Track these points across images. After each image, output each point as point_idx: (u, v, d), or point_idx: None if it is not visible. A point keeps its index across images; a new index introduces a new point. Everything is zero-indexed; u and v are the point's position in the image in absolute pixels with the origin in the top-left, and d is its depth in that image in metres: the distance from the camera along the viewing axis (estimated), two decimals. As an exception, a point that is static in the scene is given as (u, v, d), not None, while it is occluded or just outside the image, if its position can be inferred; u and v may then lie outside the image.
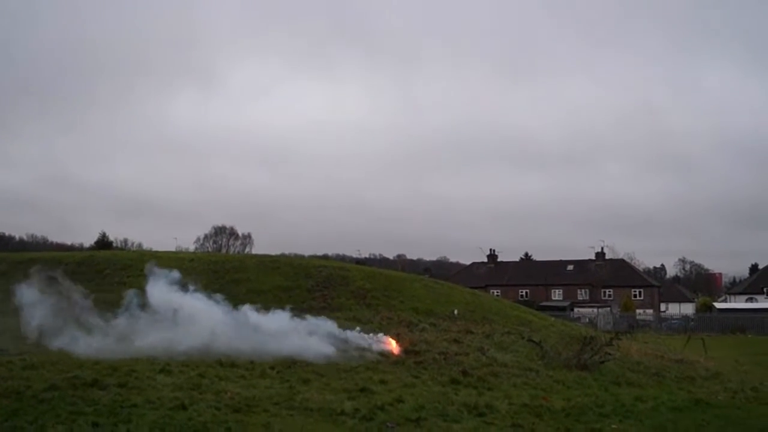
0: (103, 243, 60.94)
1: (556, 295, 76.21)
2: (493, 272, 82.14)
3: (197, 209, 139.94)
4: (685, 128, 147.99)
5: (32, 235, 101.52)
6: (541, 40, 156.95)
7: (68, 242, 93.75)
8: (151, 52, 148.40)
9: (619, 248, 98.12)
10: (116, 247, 66.33)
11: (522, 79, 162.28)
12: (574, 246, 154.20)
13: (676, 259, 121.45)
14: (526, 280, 78.96)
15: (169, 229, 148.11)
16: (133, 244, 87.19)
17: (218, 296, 17.37)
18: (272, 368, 13.75)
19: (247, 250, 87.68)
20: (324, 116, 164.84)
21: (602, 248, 79.27)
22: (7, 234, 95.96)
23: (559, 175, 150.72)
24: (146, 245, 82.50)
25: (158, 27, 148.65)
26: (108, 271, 23.72)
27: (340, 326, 17.34)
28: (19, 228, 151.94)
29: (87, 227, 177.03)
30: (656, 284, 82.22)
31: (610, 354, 17.04)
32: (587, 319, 51.67)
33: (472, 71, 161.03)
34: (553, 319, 28.60)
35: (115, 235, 78.15)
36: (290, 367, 14.00)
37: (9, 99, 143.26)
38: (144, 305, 16.66)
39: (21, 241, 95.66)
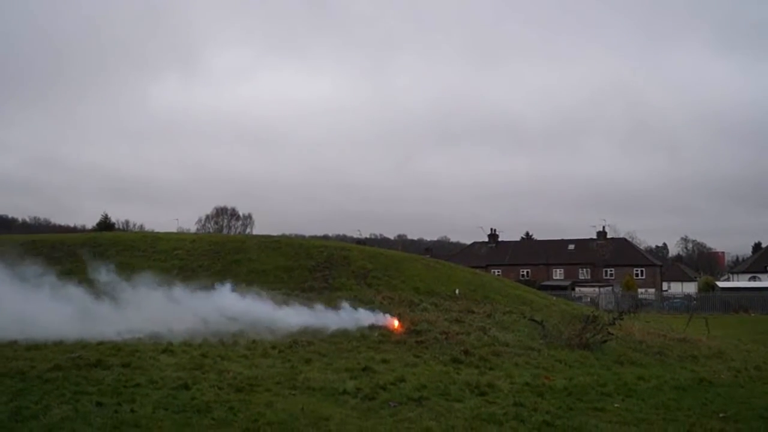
0: (105, 225, 61.01)
1: (558, 274, 76.42)
2: (493, 252, 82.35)
3: (196, 191, 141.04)
4: (673, 111, 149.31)
5: (35, 218, 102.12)
6: (515, 25, 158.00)
7: (71, 224, 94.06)
8: (139, 39, 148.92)
9: (620, 227, 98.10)
10: (118, 229, 66.42)
11: (499, 63, 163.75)
12: (576, 225, 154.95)
13: (678, 238, 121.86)
14: (527, 259, 79.15)
15: (169, 211, 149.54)
16: (134, 225, 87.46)
17: None
18: (274, 348, 13.80)
19: (248, 230, 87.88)
20: (305, 99, 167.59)
21: (604, 227, 79.48)
22: (10, 216, 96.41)
23: (553, 155, 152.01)
24: (148, 227, 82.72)
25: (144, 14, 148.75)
26: (110, 252, 23.72)
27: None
28: (22, 211, 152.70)
29: (88, 210, 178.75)
30: (658, 263, 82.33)
31: (611, 333, 17.06)
32: (589, 299, 51.80)
33: (447, 55, 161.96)
34: (554, 298, 28.60)
35: (116, 217, 78.30)
36: (292, 346, 14.05)
37: (3, 87, 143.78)
38: None
39: (24, 223, 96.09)
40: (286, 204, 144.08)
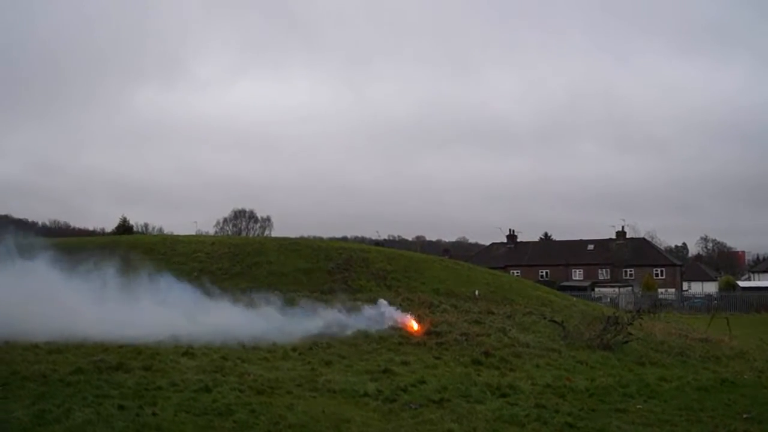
0: (124, 228, 61.33)
1: (577, 275, 75.79)
2: (512, 253, 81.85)
3: (211, 196, 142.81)
4: (687, 114, 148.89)
5: (55, 221, 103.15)
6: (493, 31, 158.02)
7: (90, 227, 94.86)
8: (132, 48, 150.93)
9: (640, 227, 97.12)
10: (137, 232, 66.81)
11: (486, 66, 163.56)
12: (595, 225, 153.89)
13: (698, 238, 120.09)
14: (546, 260, 78.57)
15: (187, 214, 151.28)
16: (153, 228, 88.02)
17: None
18: (294, 350, 13.82)
19: (266, 233, 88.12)
20: (305, 102, 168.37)
21: (623, 227, 78.64)
22: (30, 220, 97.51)
23: (565, 156, 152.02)
24: (167, 230, 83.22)
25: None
26: (130, 255, 23.87)
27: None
28: (40, 215, 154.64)
29: (107, 214, 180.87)
30: (678, 263, 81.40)
31: (631, 334, 16.94)
32: (608, 299, 51.36)
33: (430, 59, 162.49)
34: (574, 299, 28.44)
35: (135, 221, 78.80)
36: (312, 348, 14.07)
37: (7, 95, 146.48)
38: None
39: (44, 226, 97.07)
40: (301, 207, 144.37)
